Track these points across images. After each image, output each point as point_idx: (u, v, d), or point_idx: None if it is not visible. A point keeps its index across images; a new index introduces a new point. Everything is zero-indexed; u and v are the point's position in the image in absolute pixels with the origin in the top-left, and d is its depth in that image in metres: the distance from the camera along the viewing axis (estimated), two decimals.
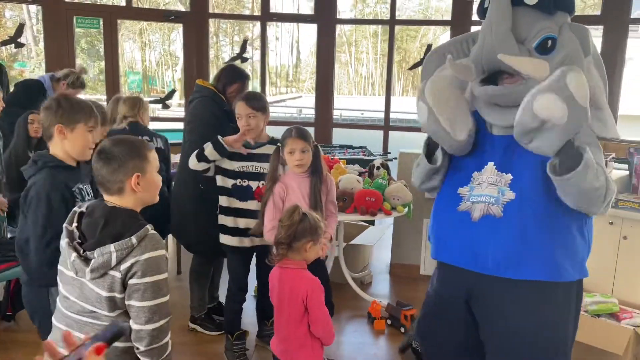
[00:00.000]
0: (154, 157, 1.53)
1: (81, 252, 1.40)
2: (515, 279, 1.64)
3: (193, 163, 2.57)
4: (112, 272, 1.38)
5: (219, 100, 2.85)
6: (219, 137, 2.54)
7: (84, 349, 0.83)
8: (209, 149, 2.53)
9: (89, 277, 1.39)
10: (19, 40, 5.93)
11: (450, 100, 1.71)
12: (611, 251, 2.85)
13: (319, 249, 2.00)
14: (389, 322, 3.16)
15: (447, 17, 6.01)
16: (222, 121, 2.79)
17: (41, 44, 19.32)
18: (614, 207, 2.84)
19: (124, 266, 1.37)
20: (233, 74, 2.97)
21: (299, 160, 2.32)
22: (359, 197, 3.01)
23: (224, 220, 2.64)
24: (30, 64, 18.98)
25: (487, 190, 1.70)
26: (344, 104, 22.13)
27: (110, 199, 1.48)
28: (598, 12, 5.70)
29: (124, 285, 1.38)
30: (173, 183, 3.19)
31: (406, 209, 3.17)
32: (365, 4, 27.77)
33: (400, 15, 27.46)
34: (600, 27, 5.60)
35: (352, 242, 3.92)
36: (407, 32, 26.71)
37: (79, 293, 1.44)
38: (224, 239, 2.64)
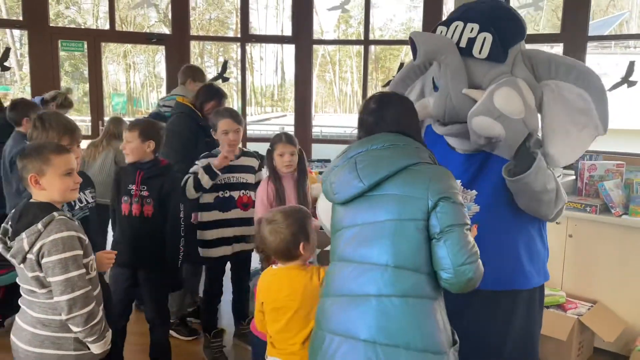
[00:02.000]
0: (60, 160, 1.71)
1: (8, 244, 1.68)
2: (490, 290, 1.73)
3: (191, 194, 2.72)
4: (29, 256, 1.63)
5: (195, 116, 3.06)
6: (209, 163, 2.71)
7: None
8: (205, 179, 2.69)
9: (14, 262, 1.67)
10: (5, 64, 6.12)
11: None
12: (559, 248, 3.10)
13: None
14: None
15: None
16: (198, 135, 3.01)
17: (24, 68, 19.26)
18: None
19: (35, 249, 1.62)
20: (209, 92, 3.16)
21: (289, 162, 2.61)
22: None
23: (204, 235, 2.82)
24: (14, 88, 19.09)
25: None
26: (328, 122, 22.50)
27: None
28: (558, 31, 6.06)
29: (40, 265, 1.63)
30: None
31: None
32: (348, 25, 28.33)
33: (383, 34, 28.18)
34: (560, 44, 5.94)
35: (327, 248, 4.13)
36: (390, 51, 27.27)
37: (20, 278, 1.73)
38: (205, 252, 2.83)
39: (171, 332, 3.15)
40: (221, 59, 26.07)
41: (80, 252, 1.68)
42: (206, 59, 26.21)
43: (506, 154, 1.75)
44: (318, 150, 6.58)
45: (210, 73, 25.98)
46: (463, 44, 1.74)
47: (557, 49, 6.13)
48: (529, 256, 1.81)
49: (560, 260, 3.11)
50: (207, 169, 2.71)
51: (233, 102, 12.73)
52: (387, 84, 6.92)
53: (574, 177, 3.40)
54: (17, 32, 17.84)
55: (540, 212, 1.76)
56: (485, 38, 1.71)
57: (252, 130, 14.96)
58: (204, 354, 2.95)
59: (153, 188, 2.44)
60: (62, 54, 6.27)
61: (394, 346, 1.36)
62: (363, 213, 1.50)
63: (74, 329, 1.67)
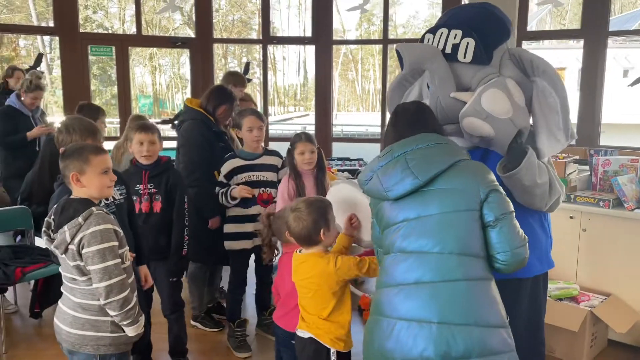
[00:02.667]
0: (98, 160, 1.88)
1: (52, 236, 1.84)
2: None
3: (223, 202, 2.98)
4: (70, 246, 1.79)
5: (208, 122, 3.12)
6: (227, 192, 2.91)
7: None
8: (224, 202, 2.94)
9: (58, 252, 1.82)
10: (38, 68, 6.40)
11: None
12: (572, 243, 3.15)
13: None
14: None
15: None
16: (212, 142, 3.11)
17: (54, 72, 19.80)
18: (573, 203, 3.16)
19: (75, 240, 1.78)
20: (222, 96, 3.21)
21: (309, 159, 2.76)
22: None
23: (229, 228, 3.01)
24: (45, 92, 19.64)
25: None
26: (349, 120, 22.55)
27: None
28: (578, 26, 6.04)
29: (80, 255, 1.79)
30: None
31: None
32: (370, 22, 28.32)
33: (406, 32, 28.07)
34: (581, 40, 5.93)
35: None
36: None
37: (62, 266, 1.89)
38: (229, 244, 3.01)
39: (197, 324, 3.34)
40: (244, 60, 26.38)
41: (116, 243, 1.83)
42: (230, 60, 26.52)
43: (500, 151, 1.84)
44: (338, 149, 6.70)
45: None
46: (448, 49, 1.83)
47: (577, 45, 6.12)
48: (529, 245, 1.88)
49: (574, 254, 3.16)
50: (226, 194, 2.91)
51: (256, 102, 12.89)
52: None
53: (588, 172, 3.44)
54: (47, 37, 18.40)
55: (534, 204, 1.84)
56: (468, 43, 1.80)
57: (275, 130, 15.15)
58: (228, 342, 3.11)
59: (160, 184, 2.63)
60: (91, 58, 6.51)
61: (466, 325, 1.50)
62: (417, 207, 1.61)
63: (111, 313, 1.83)
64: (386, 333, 1.60)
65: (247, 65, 6.71)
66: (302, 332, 2.04)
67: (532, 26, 18.54)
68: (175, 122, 3.48)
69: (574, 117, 6.43)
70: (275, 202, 2.91)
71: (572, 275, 3.18)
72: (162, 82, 28.67)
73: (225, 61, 25.37)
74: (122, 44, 6.48)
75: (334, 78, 6.85)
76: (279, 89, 32.30)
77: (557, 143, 1.86)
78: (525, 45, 6.16)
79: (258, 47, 8.96)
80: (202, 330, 3.32)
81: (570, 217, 3.15)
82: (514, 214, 1.58)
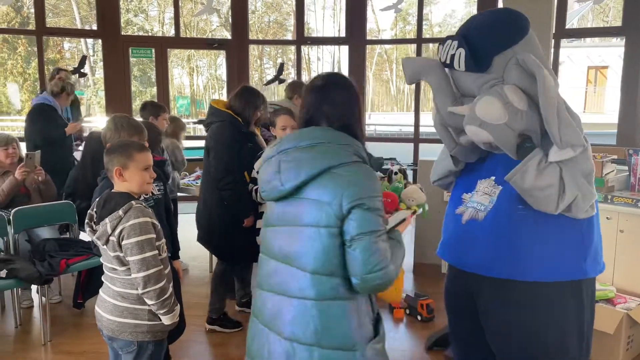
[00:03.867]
0: (141, 157, 1.98)
1: (94, 227, 1.95)
2: (501, 279, 1.81)
3: (256, 198, 3.08)
4: (111, 238, 1.89)
5: (237, 124, 3.15)
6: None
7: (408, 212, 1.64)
8: (259, 197, 3.00)
9: (99, 243, 1.93)
10: (82, 70, 6.66)
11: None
12: (609, 244, 3.09)
13: None
14: (407, 311, 3.49)
15: None
16: (241, 143, 3.15)
17: (97, 74, 20.43)
18: (610, 203, 3.10)
19: (116, 232, 1.88)
20: (251, 97, 3.21)
21: None
22: None
23: (258, 224, 3.09)
24: (87, 92, 20.36)
25: (480, 198, 1.93)
26: (383, 121, 22.44)
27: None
28: (619, 24, 5.89)
29: (120, 246, 1.88)
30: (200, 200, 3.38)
31: (421, 209, 3.52)
32: (405, 22, 28.15)
33: (442, 31, 27.76)
34: (623, 37, 5.77)
35: None
36: None
37: (104, 257, 1.99)
38: (259, 239, 3.07)
39: (215, 327, 3.34)
40: (279, 61, 26.62)
41: (154, 235, 1.92)
42: (265, 61, 26.81)
43: (509, 154, 1.79)
44: (371, 149, 6.71)
45: (269, 75, 26.62)
46: (448, 60, 1.85)
47: (619, 43, 5.96)
48: (547, 251, 1.81)
49: (611, 255, 3.10)
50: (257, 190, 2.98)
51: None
52: None
53: (627, 172, 3.37)
54: (90, 40, 19.03)
55: (540, 206, 1.76)
56: (460, 53, 1.80)
57: None
58: None
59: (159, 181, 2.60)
60: (131, 60, 6.73)
61: (309, 344, 1.46)
62: (289, 215, 1.53)
63: (148, 302, 1.92)
64: (251, 334, 1.62)
65: (282, 66, 6.82)
66: None
67: (573, 23, 18.09)
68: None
69: (614, 116, 6.26)
70: None
71: (609, 277, 3.12)
72: (199, 83, 29.23)
73: (261, 62, 25.67)
74: (161, 46, 6.67)
75: (367, 78, 6.85)
76: None
77: (566, 153, 1.74)
78: (565, 42, 6.04)
79: (292, 48, 9.04)
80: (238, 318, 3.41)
81: (607, 218, 3.09)
82: (379, 234, 1.43)
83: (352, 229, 1.41)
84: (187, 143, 4.89)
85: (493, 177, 1.95)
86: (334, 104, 1.58)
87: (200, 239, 3.34)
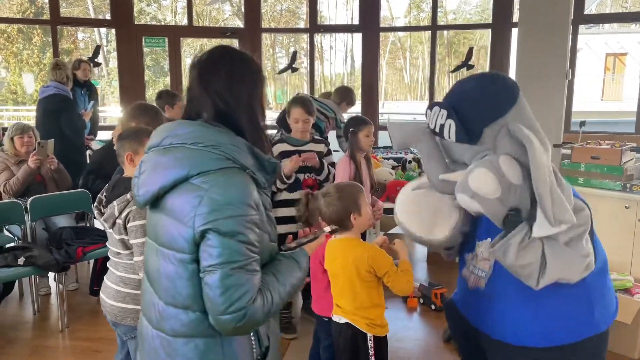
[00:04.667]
0: None
1: (102, 210, 1.99)
2: (512, 345, 1.81)
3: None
4: (118, 220, 1.92)
5: None
6: (280, 170, 2.94)
7: (321, 234, 1.43)
8: (278, 183, 2.99)
9: (106, 226, 1.96)
10: (96, 60, 6.69)
11: (422, 211, 1.92)
12: (628, 233, 3.04)
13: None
14: (421, 300, 3.48)
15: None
16: None
17: (111, 64, 20.57)
18: (629, 192, 3.05)
19: (123, 214, 1.91)
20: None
21: (372, 142, 3.13)
22: (390, 186, 3.37)
23: (276, 212, 3.06)
24: (102, 82, 20.51)
25: (481, 264, 1.94)
26: (397, 109, 22.32)
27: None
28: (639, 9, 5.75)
29: (126, 228, 1.91)
30: None
31: None
32: (419, 9, 27.87)
33: (457, 18, 27.44)
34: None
35: (390, 231, 4.26)
36: (463, 35, 26.59)
37: (110, 241, 2.02)
38: (285, 228, 3.06)
39: None
40: (292, 50, 26.56)
41: None
42: (277, 50, 26.74)
43: (497, 225, 1.76)
44: (384, 138, 6.67)
45: (282, 64, 26.56)
46: (437, 129, 1.79)
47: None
48: (548, 317, 1.80)
49: (629, 244, 3.05)
50: (280, 176, 2.96)
51: (303, 91, 13.00)
52: (455, 69, 6.88)
53: None
54: (103, 30, 19.12)
55: (522, 280, 1.73)
56: (450, 124, 1.74)
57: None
58: None
59: None
60: (145, 49, 6.74)
61: None
62: (151, 228, 1.29)
63: None
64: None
65: (294, 54, 6.79)
66: (338, 318, 2.07)
67: (591, 9, 17.73)
68: None
69: (632, 104, 6.13)
70: (321, 187, 2.96)
71: (627, 267, 3.08)
72: None
73: (273, 51, 25.63)
74: (174, 35, 6.67)
75: (380, 66, 6.79)
76: (326, 79, 32.31)
77: (547, 225, 1.68)
78: (583, 29, 5.93)
79: (305, 37, 9.00)
80: None
81: (626, 207, 3.04)
82: (237, 265, 1.13)
83: (203, 259, 1.14)
84: None
85: (489, 239, 1.92)
86: (219, 87, 1.23)
87: None
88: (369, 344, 2.00)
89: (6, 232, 3.76)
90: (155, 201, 1.22)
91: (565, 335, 1.78)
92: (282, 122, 3.71)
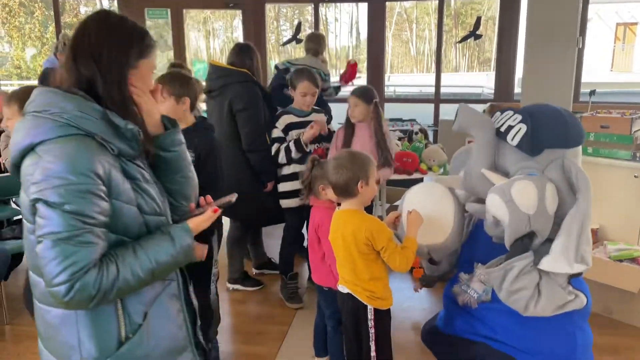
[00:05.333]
0: None
1: None
2: (504, 353, 1.91)
3: (282, 162, 3.03)
4: None
5: (258, 83, 3.11)
6: (300, 139, 2.95)
7: (208, 208, 1.31)
8: (295, 153, 2.97)
9: None
10: None
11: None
12: (636, 203, 3.02)
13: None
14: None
15: None
16: (264, 96, 3.12)
17: None
18: (638, 161, 3.01)
19: None
20: (256, 56, 3.18)
21: (351, 113, 2.97)
22: (396, 158, 3.34)
23: (285, 187, 3.07)
24: None
25: (475, 285, 2.03)
26: (403, 82, 22.10)
27: None
28: None
29: None
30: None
31: (441, 169, 3.47)
32: None
33: None
34: None
35: (396, 203, 4.25)
36: (471, 5, 26.13)
37: None
38: (286, 203, 3.08)
39: (238, 286, 3.40)
40: (296, 22, 26.20)
41: None
42: (282, 23, 26.40)
43: (506, 242, 1.81)
44: (391, 110, 6.62)
45: (286, 36, 26.22)
46: (503, 128, 1.87)
47: None
48: (535, 344, 1.90)
49: (637, 214, 3.03)
50: (297, 143, 2.93)
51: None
52: (463, 40, 6.76)
53: None
54: (105, 2, 18.90)
55: (507, 303, 1.82)
56: (520, 128, 1.82)
57: None
58: (280, 294, 3.23)
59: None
60: (148, 23, 6.66)
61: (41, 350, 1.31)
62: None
63: None
64: None
65: (299, 25, 6.69)
66: (342, 288, 2.06)
67: None
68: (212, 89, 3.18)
69: None
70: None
71: (634, 237, 3.06)
72: (216, 47, 28.99)
73: (277, 23, 25.29)
74: (177, 6, 6.58)
75: (386, 38, 6.69)
76: (331, 52, 31.94)
77: (567, 264, 1.74)
78: None
79: (310, 8, 8.85)
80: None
81: (635, 176, 3.01)
82: (61, 236, 1.09)
83: (37, 229, 1.12)
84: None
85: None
86: (83, 52, 1.20)
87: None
88: (369, 316, 1.98)
89: (13, 205, 3.78)
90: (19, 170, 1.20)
91: None
92: (277, 91, 3.63)
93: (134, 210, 1.21)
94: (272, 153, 3.01)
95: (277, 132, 3.01)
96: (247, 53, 3.13)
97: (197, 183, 1.45)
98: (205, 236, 2.38)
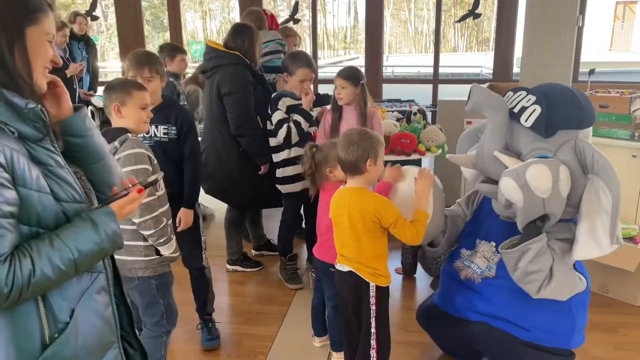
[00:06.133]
0: (139, 94, 1.94)
1: None
2: (501, 329, 2.00)
3: (294, 140, 2.95)
4: None
5: (248, 66, 3.02)
6: (306, 111, 2.92)
7: (132, 189, 1.22)
8: (304, 123, 2.91)
9: None
10: (93, 13, 6.54)
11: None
12: (635, 182, 3.02)
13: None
14: None
15: None
16: (254, 86, 3.05)
17: (109, 19, 20.15)
18: (637, 141, 3.01)
19: None
20: (256, 37, 3.05)
21: (338, 94, 2.84)
22: (394, 139, 3.33)
23: (286, 172, 3.04)
24: (101, 38, 20.15)
25: (479, 261, 2.06)
26: (402, 62, 21.95)
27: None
28: None
29: None
30: (207, 152, 3.11)
31: (440, 150, 3.47)
32: None
33: None
34: None
35: None
36: None
37: None
38: (288, 188, 3.06)
39: (238, 267, 3.41)
40: (293, 2, 25.90)
41: (149, 167, 1.93)
42: (279, 2, 26.10)
43: (519, 224, 1.84)
44: (389, 90, 6.58)
45: (283, 16, 26.03)
46: (516, 109, 1.87)
47: None
48: (537, 318, 1.98)
49: (635, 193, 3.04)
50: (302, 112, 2.91)
51: (305, 45, 12.77)
52: (461, 19, 6.70)
53: None
54: None
55: (522, 285, 1.86)
56: (535, 109, 1.82)
57: (324, 72, 14.98)
58: (280, 275, 3.25)
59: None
60: (143, 4, 6.57)
61: None
62: None
63: (145, 233, 1.93)
64: None
65: (296, 4, 6.61)
66: (342, 266, 2.07)
67: None
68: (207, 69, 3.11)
69: None
70: None
71: (632, 216, 3.07)
72: (212, 28, 28.70)
73: (274, 3, 24.98)
74: None
75: (384, 17, 6.63)
76: (329, 32, 31.63)
77: (598, 247, 1.79)
78: None
79: None
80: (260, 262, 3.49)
81: (633, 156, 3.02)
82: None
83: None
84: None
85: (494, 243, 2.06)
86: None
87: (216, 191, 3.25)
88: (371, 293, 2.01)
89: None
90: None
91: (546, 339, 1.96)
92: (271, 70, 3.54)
93: (48, 198, 1.09)
94: (284, 135, 2.92)
95: (280, 114, 2.94)
96: (243, 34, 3.03)
97: (121, 171, 1.34)
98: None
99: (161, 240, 1.97)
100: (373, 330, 2.02)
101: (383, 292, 2.04)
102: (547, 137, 1.82)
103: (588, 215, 1.79)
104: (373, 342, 2.03)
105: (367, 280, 2.01)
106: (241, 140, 3.01)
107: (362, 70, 6.70)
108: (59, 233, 1.07)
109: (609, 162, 1.78)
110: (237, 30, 3.06)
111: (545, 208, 1.76)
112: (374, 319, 2.02)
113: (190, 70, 4.70)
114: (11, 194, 1.02)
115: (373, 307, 2.02)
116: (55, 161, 1.12)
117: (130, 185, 1.25)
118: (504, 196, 1.81)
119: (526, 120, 1.83)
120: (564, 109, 1.84)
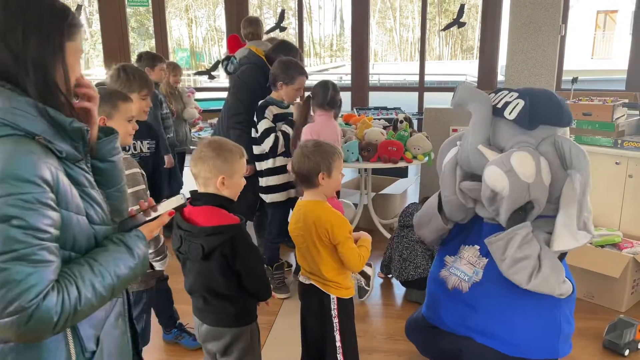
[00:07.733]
0: (125, 107, 1.89)
1: None
2: (485, 345, 1.98)
3: (281, 147, 2.96)
4: None
5: (267, 70, 3.11)
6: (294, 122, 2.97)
7: (163, 213, 1.20)
8: (291, 132, 2.95)
9: None
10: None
11: None
12: (617, 189, 3.06)
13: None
14: None
15: None
16: (264, 88, 3.11)
17: (94, 26, 20.01)
18: (620, 148, 3.05)
19: None
20: (290, 51, 3.22)
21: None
22: (381, 147, 3.34)
23: (270, 181, 3.03)
24: (85, 45, 19.99)
25: (464, 267, 2.05)
26: (388, 70, 22.09)
27: None
28: None
29: None
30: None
31: (426, 158, 3.48)
32: None
33: None
34: None
35: (382, 192, 4.26)
36: None
37: None
38: (274, 197, 3.05)
39: None
40: (280, 10, 25.98)
41: (144, 186, 1.90)
42: (265, 10, 26.17)
43: (500, 218, 1.87)
44: (375, 98, 6.62)
45: (269, 25, 26.07)
46: (500, 105, 1.92)
47: None
48: (524, 328, 1.95)
49: (619, 200, 3.08)
50: (291, 122, 2.97)
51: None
52: (446, 27, 6.77)
53: (637, 116, 3.30)
54: None
55: (511, 276, 1.86)
56: (518, 103, 1.88)
57: (311, 80, 14.99)
58: None
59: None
60: (128, 10, 6.53)
61: None
62: None
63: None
64: None
65: (282, 13, 6.61)
66: (304, 279, 2.01)
67: None
68: (212, 72, 3.51)
69: (624, 62, 6.10)
70: None
71: (616, 222, 3.11)
72: (198, 36, 28.63)
73: (261, 12, 25.05)
74: None
75: (370, 26, 6.66)
76: (315, 40, 31.74)
77: (571, 237, 1.81)
78: None
79: None
80: None
81: (617, 163, 3.05)
82: (11, 256, 0.91)
83: None
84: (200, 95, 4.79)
85: (478, 247, 2.05)
86: (9, 38, 0.99)
87: None
88: (332, 306, 1.95)
89: None
90: None
91: (536, 351, 1.94)
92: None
93: (84, 220, 1.04)
94: (271, 144, 2.92)
95: (267, 123, 2.93)
96: (279, 47, 3.24)
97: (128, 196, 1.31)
98: None
99: (158, 258, 1.95)
100: (338, 344, 1.95)
101: (345, 303, 1.98)
102: (530, 129, 1.86)
103: (564, 206, 1.82)
104: (340, 357, 1.97)
105: (328, 293, 1.94)
106: (229, 132, 3.06)
107: (349, 78, 6.75)
108: (96, 258, 1.03)
109: (583, 152, 1.83)
110: (278, 43, 3.34)
111: (530, 194, 1.79)
112: (337, 332, 1.95)
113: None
114: (57, 217, 0.97)
115: (336, 320, 1.95)
116: (88, 182, 1.08)
117: (147, 206, 1.21)
118: (489, 187, 1.82)
119: (510, 113, 1.87)
120: (545, 105, 1.89)
